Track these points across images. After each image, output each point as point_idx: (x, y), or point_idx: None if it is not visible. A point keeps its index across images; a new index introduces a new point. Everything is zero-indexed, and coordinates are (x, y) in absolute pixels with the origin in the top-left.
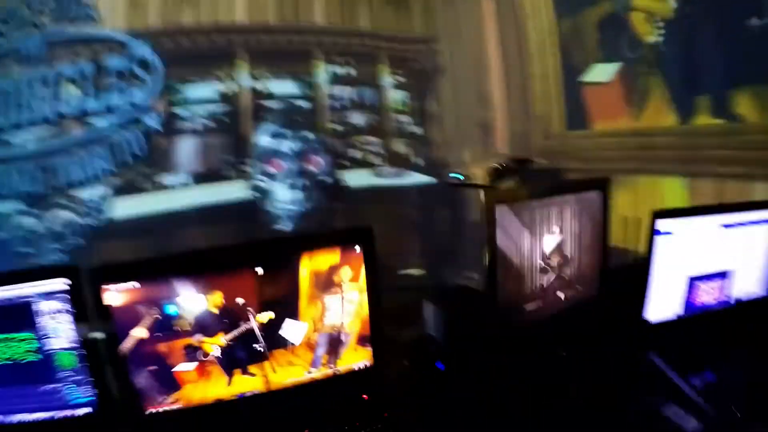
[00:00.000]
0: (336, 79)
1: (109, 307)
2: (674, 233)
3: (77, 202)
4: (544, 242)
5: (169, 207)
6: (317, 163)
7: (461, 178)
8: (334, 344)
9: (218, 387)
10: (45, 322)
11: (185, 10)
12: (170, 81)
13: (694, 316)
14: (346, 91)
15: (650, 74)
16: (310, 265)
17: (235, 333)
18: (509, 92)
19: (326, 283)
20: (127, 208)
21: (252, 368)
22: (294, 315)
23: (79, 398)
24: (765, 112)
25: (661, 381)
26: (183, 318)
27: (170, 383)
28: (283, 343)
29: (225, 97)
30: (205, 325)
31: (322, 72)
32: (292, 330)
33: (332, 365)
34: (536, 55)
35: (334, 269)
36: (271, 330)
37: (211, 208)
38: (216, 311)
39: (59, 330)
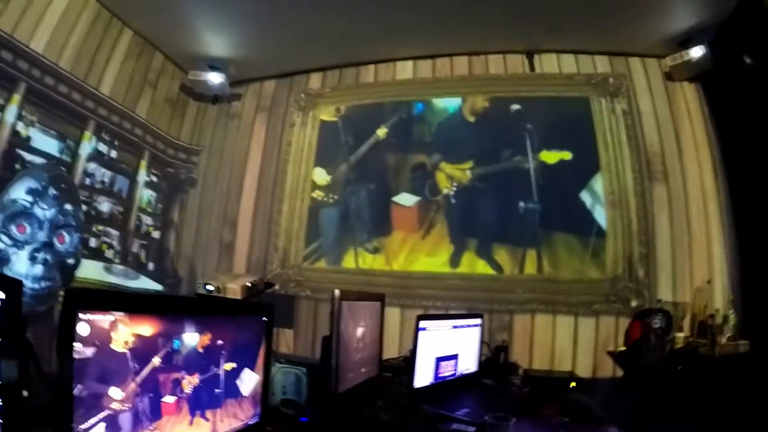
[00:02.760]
0: (95, 157)
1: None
2: (428, 329)
3: None
4: (358, 331)
5: None
6: (65, 240)
7: (212, 290)
8: (256, 402)
9: (182, 427)
10: None
11: None
12: None
13: (439, 383)
14: (100, 172)
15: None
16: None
17: (206, 375)
18: (255, 221)
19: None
20: None
21: (208, 413)
22: (252, 366)
23: None
24: (514, 262)
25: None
26: (180, 353)
27: (156, 411)
28: (235, 393)
29: None
30: (190, 363)
31: (87, 143)
32: (247, 380)
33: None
34: (288, 196)
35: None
36: (230, 377)
37: None
38: (201, 351)
39: None
